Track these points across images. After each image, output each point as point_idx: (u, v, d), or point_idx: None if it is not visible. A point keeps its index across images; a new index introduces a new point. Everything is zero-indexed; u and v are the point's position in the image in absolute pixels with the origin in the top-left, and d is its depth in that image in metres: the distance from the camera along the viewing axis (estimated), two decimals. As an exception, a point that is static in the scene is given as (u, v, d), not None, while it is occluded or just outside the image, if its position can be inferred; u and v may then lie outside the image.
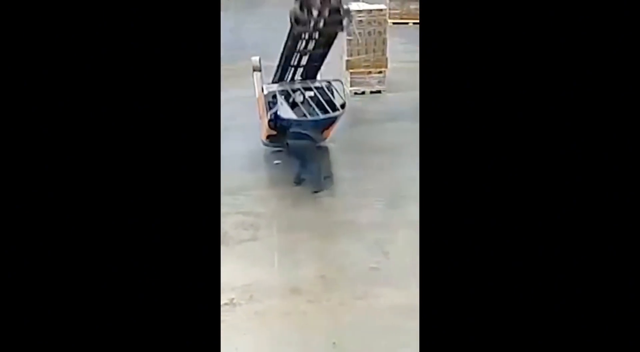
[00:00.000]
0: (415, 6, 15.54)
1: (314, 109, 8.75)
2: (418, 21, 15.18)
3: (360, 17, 11.42)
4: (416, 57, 12.40)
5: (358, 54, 11.63)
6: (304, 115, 8.68)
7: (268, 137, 9.24)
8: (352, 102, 11.14)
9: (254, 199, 8.22)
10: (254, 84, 9.36)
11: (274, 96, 8.96)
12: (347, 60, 11.61)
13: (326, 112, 8.80)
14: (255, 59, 9.49)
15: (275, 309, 6.30)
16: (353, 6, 11.70)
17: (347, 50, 11.59)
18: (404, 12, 15.59)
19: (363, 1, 12.47)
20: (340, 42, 11.79)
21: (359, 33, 11.50)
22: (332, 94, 9.14)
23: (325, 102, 8.89)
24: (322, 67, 9.42)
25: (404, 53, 12.63)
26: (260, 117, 9.37)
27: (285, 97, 8.87)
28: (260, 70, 9.38)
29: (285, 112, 8.67)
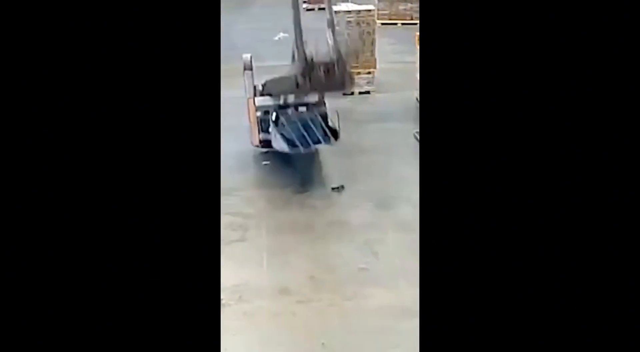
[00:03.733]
0: (404, 7, 15.56)
1: (304, 137, 8.58)
2: (407, 22, 15.22)
3: (348, 17, 11.42)
4: (405, 57, 12.51)
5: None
6: (295, 145, 8.50)
7: (260, 142, 9.21)
8: (341, 103, 11.14)
9: (243, 199, 8.20)
10: (244, 83, 9.26)
11: (266, 112, 8.92)
12: (336, 61, 11.59)
13: (317, 141, 8.65)
14: (247, 56, 9.34)
15: (265, 309, 6.31)
16: (342, 7, 11.72)
17: (336, 51, 11.57)
18: (392, 13, 15.56)
19: (351, 2, 12.48)
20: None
21: (348, 34, 11.49)
22: (325, 118, 8.95)
23: (317, 126, 8.73)
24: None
25: (392, 54, 12.67)
26: (250, 122, 9.29)
27: (276, 116, 8.81)
28: (251, 69, 9.23)
29: (278, 144, 8.63)
